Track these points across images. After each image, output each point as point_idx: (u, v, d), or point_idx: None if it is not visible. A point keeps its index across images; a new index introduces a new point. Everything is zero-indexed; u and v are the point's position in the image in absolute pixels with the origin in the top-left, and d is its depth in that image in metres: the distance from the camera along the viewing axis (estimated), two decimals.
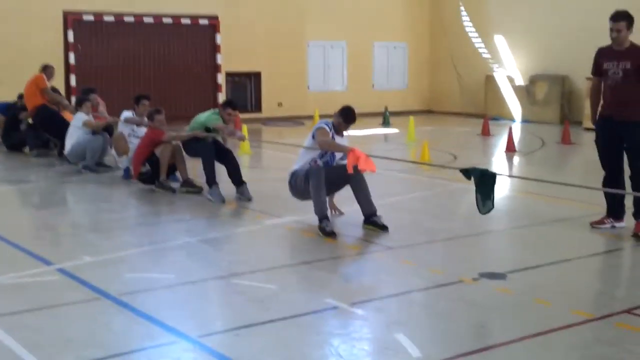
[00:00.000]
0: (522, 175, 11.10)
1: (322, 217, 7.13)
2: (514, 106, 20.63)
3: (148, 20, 18.78)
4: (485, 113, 20.20)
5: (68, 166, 11.56)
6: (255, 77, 20.53)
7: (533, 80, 20.14)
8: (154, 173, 9.69)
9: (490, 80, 21.26)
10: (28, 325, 4.74)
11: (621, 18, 7.16)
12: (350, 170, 6.99)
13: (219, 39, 19.62)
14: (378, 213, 7.38)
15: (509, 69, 21.01)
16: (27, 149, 13.23)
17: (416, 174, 11.32)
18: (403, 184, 10.66)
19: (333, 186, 7.57)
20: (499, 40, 21.24)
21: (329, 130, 7.48)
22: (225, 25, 19.59)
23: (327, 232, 7.02)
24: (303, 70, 21.17)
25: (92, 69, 18.00)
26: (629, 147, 7.25)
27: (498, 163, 12.69)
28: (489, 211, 5.94)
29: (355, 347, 4.48)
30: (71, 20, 17.94)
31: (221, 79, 19.75)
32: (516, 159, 13.08)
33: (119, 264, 6.25)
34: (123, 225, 7.91)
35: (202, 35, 19.55)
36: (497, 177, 5.89)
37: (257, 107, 20.58)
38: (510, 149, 13.63)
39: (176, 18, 19.10)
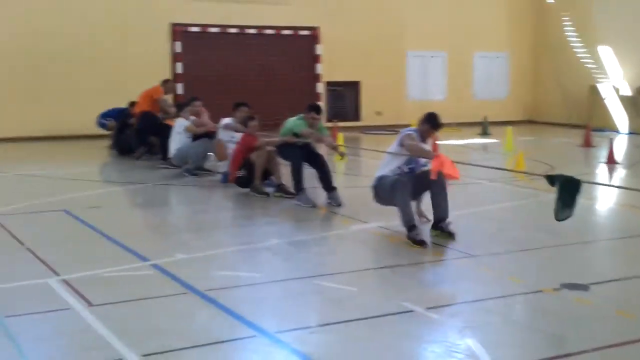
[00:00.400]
0: (619, 185, 10.80)
1: (411, 227, 7.21)
2: (620, 117, 19.99)
3: (250, 31, 19.39)
4: (589, 124, 19.68)
5: (171, 169, 12.12)
6: (355, 86, 20.79)
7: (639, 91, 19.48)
8: (249, 177, 10.05)
9: (594, 90, 20.69)
10: (119, 315, 5.11)
11: None
12: (434, 176, 7.08)
13: (319, 49, 20.01)
14: (450, 220, 7.41)
15: (615, 79, 20.38)
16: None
17: (509, 184, 11.22)
18: (494, 194, 10.61)
19: (416, 192, 7.66)
20: (605, 51, 20.65)
21: (416, 136, 7.59)
22: (326, 36, 19.97)
23: (417, 240, 7.09)
24: (402, 80, 21.28)
25: (197, 79, 18.72)
26: None
27: (596, 174, 12.39)
28: (566, 218, 5.87)
29: (426, 349, 4.59)
30: (178, 31, 18.76)
31: (320, 88, 20.14)
32: (617, 170, 12.73)
33: (209, 261, 6.57)
34: (217, 226, 8.28)
35: (302, 45, 20.00)
36: (582, 185, 5.80)
37: (356, 116, 20.83)
38: (611, 160, 13.27)
39: (278, 29, 19.63)
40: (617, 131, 19.69)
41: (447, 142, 16.50)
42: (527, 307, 5.49)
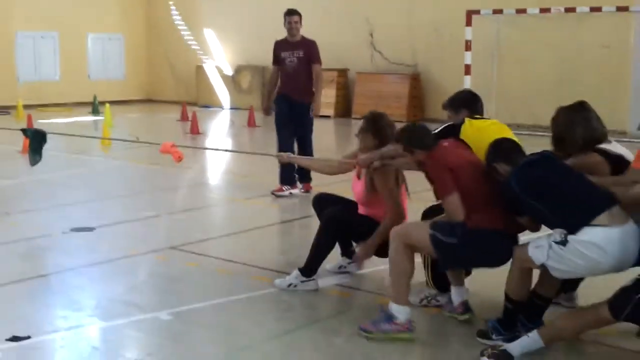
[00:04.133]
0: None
1: None
2: (222, 94, 22.10)
3: None
4: (197, 101, 21.51)
5: None
6: None
7: (238, 70, 21.70)
8: None
9: (200, 70, 22.55)
10: None
11: (294, 13, 8.85)
12: None
13: None
14: None
15: (218, 60, 22.42)
16: None
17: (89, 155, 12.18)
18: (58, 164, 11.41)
19: None
20: (209, 34, 22.58)
21: None
22: None
23: None
24: (11, 61, 21.00)
25: None
26: None
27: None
28: (36, 163, 6.92)
29: None
30: None
31: None
32: (198, 138, 14.38)
33: None
34: None
35: None
36: (47, 136, 6.84)
37: None
38: (194, 131, 14.91)
39: None
40: (220, 107, 21.75)
41: (56, 120, 16.96)
42: (30, 250, 6.45)
